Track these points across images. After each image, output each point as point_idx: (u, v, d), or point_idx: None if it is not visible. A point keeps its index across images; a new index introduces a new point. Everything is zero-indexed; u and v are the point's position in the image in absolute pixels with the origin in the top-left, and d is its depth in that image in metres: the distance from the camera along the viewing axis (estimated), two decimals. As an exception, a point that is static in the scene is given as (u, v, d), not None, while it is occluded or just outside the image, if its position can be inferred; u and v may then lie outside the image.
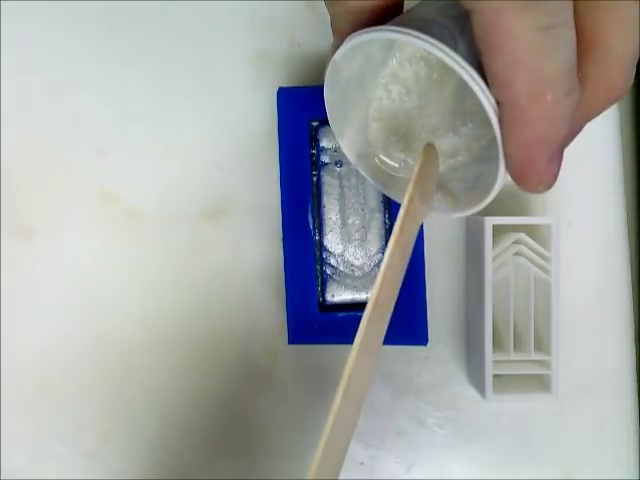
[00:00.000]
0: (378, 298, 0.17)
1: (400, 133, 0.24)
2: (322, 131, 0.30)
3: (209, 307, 0.32)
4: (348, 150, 0.25)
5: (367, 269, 0.30)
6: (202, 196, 0.33)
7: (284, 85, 0.30)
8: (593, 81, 0.17)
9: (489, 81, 0.16)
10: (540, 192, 0.18)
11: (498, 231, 0.29)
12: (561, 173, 0.33)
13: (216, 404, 0.32)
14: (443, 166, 0.23)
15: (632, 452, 0.32)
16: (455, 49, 0.16)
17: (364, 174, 0.26)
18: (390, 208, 0.30)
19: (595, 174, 0.33)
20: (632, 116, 0.38)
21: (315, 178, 0.30)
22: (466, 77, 0.16)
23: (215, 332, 0.32)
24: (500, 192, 0.32)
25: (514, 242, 0.29)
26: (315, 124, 0.30)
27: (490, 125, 0.17)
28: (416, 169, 0.19)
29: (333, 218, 0.30)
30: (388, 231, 0.30)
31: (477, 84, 0.16)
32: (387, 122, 0.24)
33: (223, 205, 0.33)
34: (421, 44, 0.16)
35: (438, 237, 0.32)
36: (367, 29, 0.17)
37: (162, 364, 0.32)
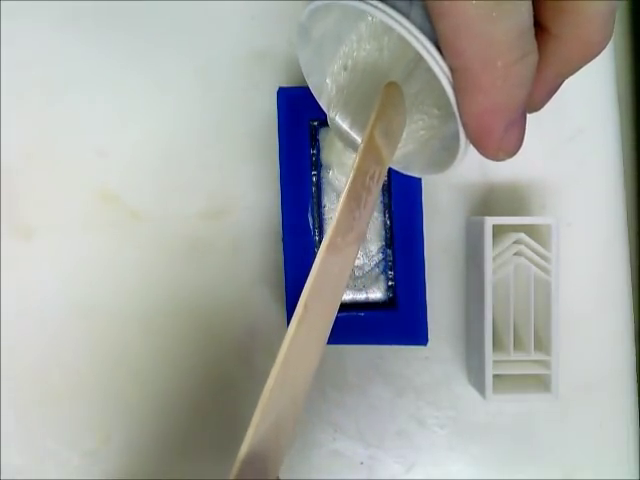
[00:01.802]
0: (337, 229, 0.17)
1: (359, 94, 0.23)
2: (322, 131, 0.30)
3: (209, 307, 0.32)
4: (325, 107, 0.24)
5: (367, 269, 0.30)
6: (202, 196, 0.33)
7: (284, 85, 0.30)
8: (568, 38, 0.16)
9: (441, 47, 0.15)
10: (502, 160, 0.17)
11: (498, 231, 0.29)
12: (561, 173, 0.33)
13: (216, 404, 0.32)
14: (407, 132, 0.22)
15: (632, 452, 0.32)
16: (409, 13, 0.16)
17: (335, 136, 0.25)
18: (390, 208, 0.30)
19: (595, 174, 0.33)
20: (632, 116, 0.38)
21: (315, 178, 0.30)
22: (416, 45, 0.16)
23: (215, 332, 0.32)
24: (500, 192, 0.32)
25: (514, 242, 0.29)
26: (315, 124, 0.30)
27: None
28: (378, 103, 0.18)
29: (333, 218, 0.30)
30: (388, 231, 0.30)
31: (429, 52, 0.16)
32: (353, 78, 0.23)
33: (223, 205, 0.33)
34: (372, 11, 0.16)
35: (438, 237, 0.32)
36: None
37: (162, 364, 0.32)
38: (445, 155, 0.21)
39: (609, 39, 0.16)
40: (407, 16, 0.16)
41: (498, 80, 0.15)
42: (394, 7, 0.16)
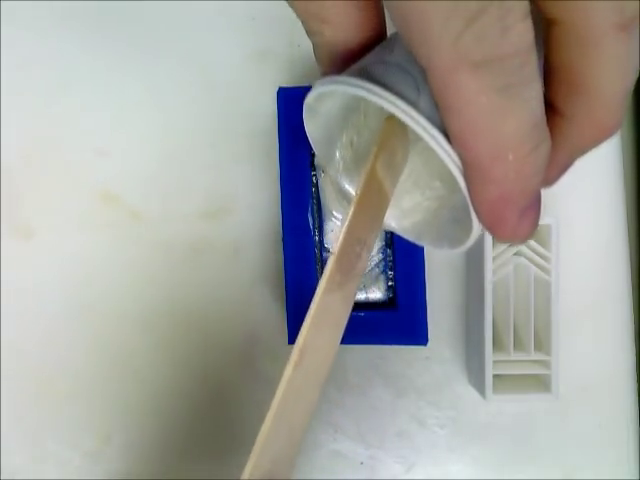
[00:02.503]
0: (338, 265, 0.16)
1: (364, 161, 0.22)
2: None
3: (209, 307, 0.32)
4: (331, 173, 0.24)
5: (367, 269, 0.30)
6: (202, 196, 0.33)
7: (284, 85, 0.30)
8: (580, 121, 0.15)
9: (450, 139, 0.15)
10: (517, 244, 0.17)
11: (498, 231, 0.29)
12: (561, 173, 0.33)
13: (216, 404, 0.32)
14: (413, 201, 0.22)
15: (632, 452, 0.32)
16: (417, 102, 0.15)
17: (338, 195, 0.25)
18: (390, 208, 0.30)
19: (595, 174, 0.33)
20: (632, 116, 0.38)
21: (315, 178, 0.30)
22: (427, 138, 0.15)
23: (215, 332, 0.32)
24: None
25: (514, 242, 0.29)
26: (315, 124, 0.30)
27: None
28: (380, 135, 0.18)
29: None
30: (388, 231, 0.30)
31: (439, 145, 0.15)
32: (359, 147, 0.23)
33: (223, 205, 0.33)
34: (380, 102, 0.15)
35: (438, 237, 0.32)
36: (329, 78, 0.17)
37: (162, 364, 0.32)
38: (457, 229, 0.20)
39: (621, 122, 0.16)
40: (415, 105, 0.15)
41: (510, 173, 0.14)
42: (402, 96, 0.15)
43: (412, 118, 0.15)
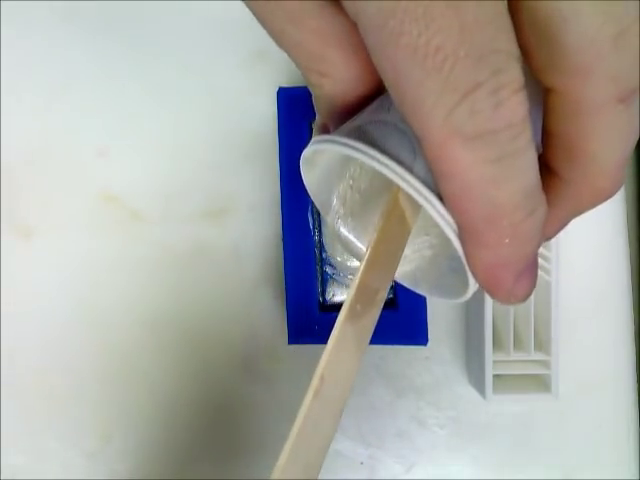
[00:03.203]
0: (358, 295, 0.16)
1: (364, 210, 0.22)
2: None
3: (209, 307, 0.32)
4: (331, 221, 0.23)
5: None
6: (202, 196, 0.33)
7: (284, 85, 0.30)
8: (578, 185, 0.15)
9: (445, 203, 0.15)
10: (514, 304, 0.17)
11: (498, 231, 0.29)
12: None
13: (216, 404, 0.32)
14: (410, 249, 0.22)
15: (632, 452, 0.32)
16: (412, 165, 0.15)
17: (338, 243, 0.25)
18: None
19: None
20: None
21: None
22: (422, 201, 0.15)
23: (215, 332, 0.32)
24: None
25: (514, 242, 0.29)
26: (315, 124, 0.30)
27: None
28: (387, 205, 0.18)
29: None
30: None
31: (434, 209, 0.15)
32: (359, 196, 0.23)
33: (223, 205, 0.33)
34: (375, 165, 0.15)
35: (438, 237, 0.32)
36: (325, 137, 0.17)
37: (162, 364, 0.32)
38: (454, 279, 0.20)
39: (620, 185, 0.16)
40: (410, 169, 0.15)
41: (505, 238, 0.14)
42: (397, 158, 0.15)
43: (407, 182, 0.15)
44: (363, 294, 0.16)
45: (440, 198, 0.15)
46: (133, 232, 0.33)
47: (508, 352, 0.29)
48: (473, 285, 0.17)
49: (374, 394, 0.32)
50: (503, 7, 0.12)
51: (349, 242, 0.23)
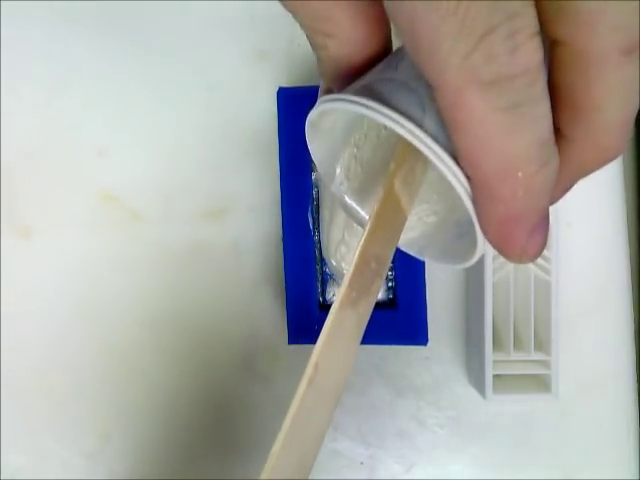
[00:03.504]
0: (353, 281, 0.16)
1: (369, 177, 0.22)
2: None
3: (209, 307, 0.32)
4: (335, 191, 0.23)
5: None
6: (202, 196, 0.33)
7: (284, 85, 0.30)
8: (582, 144, 0.15)
9: (457, 156, 0.15)
10: (526, 262, 0.17)
11: (498, 231, 0.29)
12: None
13: (216, 404, 0.32)
14: (415, 216, 0.22)
15: (632, 452, 0.32)
16: (422, 120, 0.15)
17: (344, 212, 0.24)
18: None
19: (595, 174, 0.33)
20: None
21: (315, 178, 0.30)
22: (432, 157, 0.15)
23: (215, 332, 0.32)
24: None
25: (514, 242, 0.29)
26: (315, 124, 0.30)
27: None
28: (398, 152, 0.17)
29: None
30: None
31: (445, 165, 0.15)
32: (363, 163, 0.22)
33: (223, 205, 0.33)
34: (385, 121, 0.15)
35: (438, 237, 0.32)
36: (333, 96, 0.17)
37: (162, 364, 0.32)
38: (460, 245, 0.20)
39: (625, 145, 0.15)
40: (420, 125, 0.15)
41: (519, 191, 0.14)
42: (407, 114, 0.15)
43: (417, 137, 0.15)
44: (359, 279, 0.16)
45: (451, 155, 0.15)
46: (133, 232, 0.33)
47: (508, 352, 0.29)
48: (481, 247, 0.17)
49: (374, 394, 0.32)
50: None
51: (352, 210, 0.23)
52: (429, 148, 0.15)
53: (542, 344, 0.29)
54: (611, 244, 0.33)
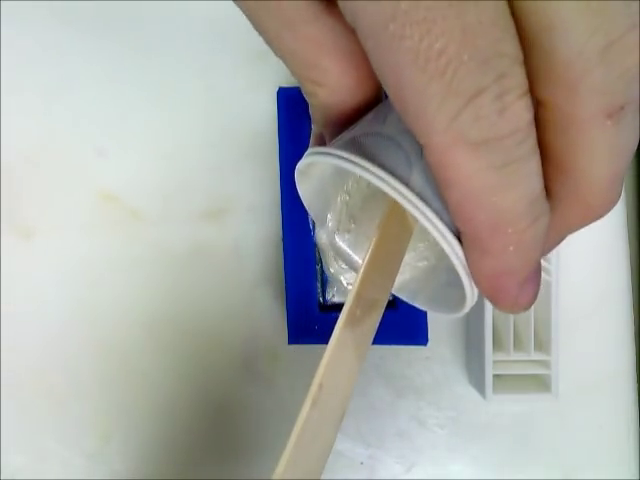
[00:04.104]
0: (358, 299, 0.16)
1: (360, 221, 0.22)
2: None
3: (209, 307, 0.32)
4: (326, 234, 0.23)
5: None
6: (202, 196, 0.33)
7: (284, 85, 0.30)
8: (568, 203, 0.15)
9: (449, 210, 0.15)
10: (517, 313, 0.17)
11: (498, 231, 0.29)
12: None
13: (216, 404, 0.32)
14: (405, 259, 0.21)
15: (632, 452, 0.32)
16: (409, 178, 0.15)
17: (336, 254, 0.24)
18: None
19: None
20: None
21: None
22: (418, 215, 0.15)
23: (215, 332, 0.32)
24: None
25: (514, 242, 0.29)
26: (315, 124, 0.30)
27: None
28: (388, 204, 0.17)
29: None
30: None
31: (431, 223, 0.15)
32: (355, 206, 0.22)
33: (223, 205, 0.33)
34: (370, 178, 0.15)
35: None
36: (321, 149, 0.17)
37: (162, 364, 0.32)
38: (452, 292, 0.19)
39: (613, 204, 0.15)
40: (407, 182, 0.15)
41: (509, 246, 0.14)
42: (393, 172, 0.15)
43: (402, 196, 0.15)
44: (363, 297, 0.16)
45: (437, 213, 0.15)
46: (133, 232, 0.33)
47: (508, 352, 0.29)
48: (470, 300, 0.17)
49: (374, 394, 0.32)
50: (505, 9, 0.12)
51: (344, 253, 0.23)
52: (414, 206, 0.15)
53: (542, 344, 0.29)
54: (611, 244, 0.33)
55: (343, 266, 0.30)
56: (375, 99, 0.17)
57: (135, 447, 0.32)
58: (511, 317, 0.29)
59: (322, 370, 0.15)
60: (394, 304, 0.30)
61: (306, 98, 0.18)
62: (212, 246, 0.33)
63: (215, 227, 0.33)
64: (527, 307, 0.16)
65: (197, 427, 0.32)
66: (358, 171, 0.15)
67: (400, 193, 0.15)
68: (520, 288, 0.15)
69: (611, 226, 0.33)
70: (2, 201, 0.33)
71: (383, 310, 0.17)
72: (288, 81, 0.33)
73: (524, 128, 0.13)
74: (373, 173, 0.15)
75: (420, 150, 0.14)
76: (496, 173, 0.13)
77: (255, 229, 0.32)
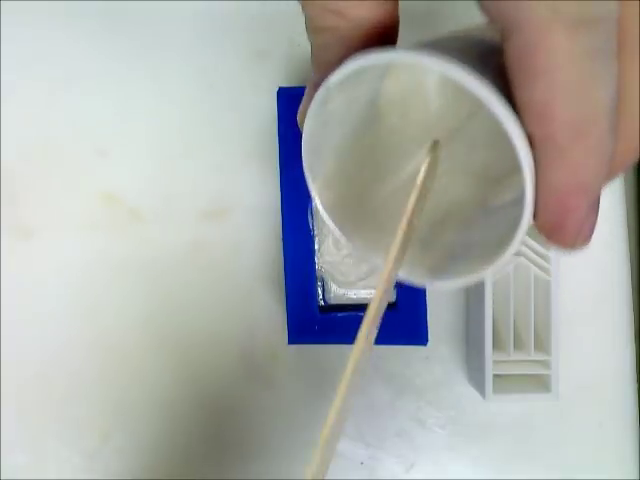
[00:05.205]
0: (376, 315, 0.16)
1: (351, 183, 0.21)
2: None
3: (209, 307, 0.32)
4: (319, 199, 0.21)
5: (367, 269, 0.30)
6: (202, 196, 0.33)
7: (284, 85, 0.30)
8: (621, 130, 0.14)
9: (523, 115, 0.13)
10: (576, 249, 0.15)
11: (498, 231, 0.29)
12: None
13: (216, 403, 0.32)
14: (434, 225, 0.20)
15: (632, 452, 0.32)
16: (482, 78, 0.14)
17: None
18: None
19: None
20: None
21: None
22: (490, 103, 0.14)
23: (215, 332, 0.32)
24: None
25: (514, 242, 0.29)
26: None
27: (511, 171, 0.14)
28: (422, 174, 0.16)
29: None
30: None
31: (505, 111, 0.13)
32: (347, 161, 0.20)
33: (223, 205, 0.33)
34: (455, 73, 0.14)
35: (438, 237, 0.32)
36: (377, 50, 0.15)
37: (162, 364, 0.32)
38: (464, 263, 0.18)
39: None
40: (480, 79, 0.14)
41: (591, 153, 0.13)
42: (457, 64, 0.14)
43: (479, 85, 0.13)
44: (377, 316, 0.16)
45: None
46: (133, 232, 0.33)
47: (508, 352, 0.29)
48: (526, 224, 0.15)
49: (374, 394, 0.32)
50: None
51: (323, 217, 0.21)
52: (489, 93, 0.13)
53: (542, 344, 0.29)
54: (611, 244, 0.33)
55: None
56: (393, 30, 0.16)
57: (134, 447, 0.32)
58: (511, 317, 0.29)
59: (340, 398, 0.14)
60: (394, 304, 0.30)
61: (314, 38, 0.16)
62: (212, 246, 0.33)
63: (215, 227, 0.33)
64: (587, 241, 0.15)
65: (196, 427, 0.32)
66: (440, 67, 0.14)
67: (481, 81, 0.13)
68: (588, 211, 0.14)
69: (611, 226, 0.33)
70: (2, 201, 0.33)
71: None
72: (288, 81, 0.33)
73: (615, 17, 0.12)
74: (457, 68, 0.14)
75: (483, 69, 0.13)
76: (591, 60, 0.12)
77: (255, 229, 0.32)
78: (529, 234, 0.29)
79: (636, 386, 0.33)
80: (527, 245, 0.29)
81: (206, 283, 0.32)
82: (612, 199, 0.33)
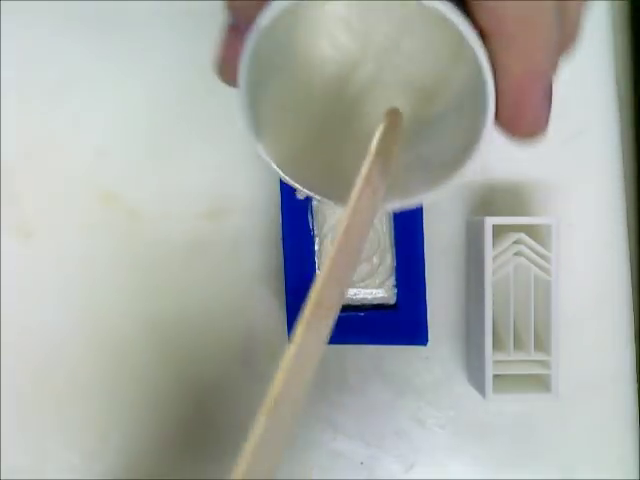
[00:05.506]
0: (320, 297, 0.15)
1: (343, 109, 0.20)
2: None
3: (209, 307, 0.32)
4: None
5: (367, 269, 0.30)
6: (202, 196, 0.33)
7: (284, 85, 0.30)
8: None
9: (476, 11, 0.15)
10: (533, 139, 0.16)
11: (498, 231, 0.29)
12: (561, 173, 0.33)
13: (216, 402, 0.32)
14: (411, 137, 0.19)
15: (632, 452, 0.32)
16: None
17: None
18: (390, 208, 0.30)
19: (595, 174, 0.33)
20: (632, 116, 0.38)
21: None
22: (446, 12, 0.14)
23: (215, 332, 0.32)
24: (500, 192, 0.32)
25: (514, 242, 0.29)
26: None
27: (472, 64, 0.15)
28: (377, 136, 0.16)
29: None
30: (388, 232, 0.30)
31: (455, 14, 0.15)
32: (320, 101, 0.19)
33: (223, 205, 0.33)
34: None
35: (438, 237, 0.32)
36: None
37: (162, 363, 0.32)
38: (438, 171, 0.18)
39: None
40: None
41: (541, 38, 0.15)
42: None
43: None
44: (326, 294, 0.15)
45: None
46: (133, 231, 0.33)
47: (508, 352, 0.29)
48: (489, 124, 0.16)
49: (374, 394, 0.32)
50: None
51: (279, 174, 0.20)
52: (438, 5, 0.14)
53: (542, 344, 0.29)
54: (611, 244, 0.33)
55: None
56: None
57: (133, 447, 0.32)
58: (511, 317, 0.29)
59: (279, 383, 0.14)
60: (395, 305, 0.30)
61: None
62: (212, 245, 0.33)
63: (215, 226, 0.33)
64: (544, 127, 0.16)
65: (196, 425, 0.32)
66: None
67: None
68: (542, 98, 0.16)
69: (611, 225, 0.33)
70: (2, 201, 0.33)
71: (337, 311, 0.16)
72: (288, 81, 0.33)
73: None
74: None
75: None
76: None
77: (255, 228, 0.32)
78: (529, 234, 0.29)
79: (636, 386, 0.33)
80: (527, 245, 0.29)
81: (206, 283, 0.32)
82: (613, 199, 0.33)
